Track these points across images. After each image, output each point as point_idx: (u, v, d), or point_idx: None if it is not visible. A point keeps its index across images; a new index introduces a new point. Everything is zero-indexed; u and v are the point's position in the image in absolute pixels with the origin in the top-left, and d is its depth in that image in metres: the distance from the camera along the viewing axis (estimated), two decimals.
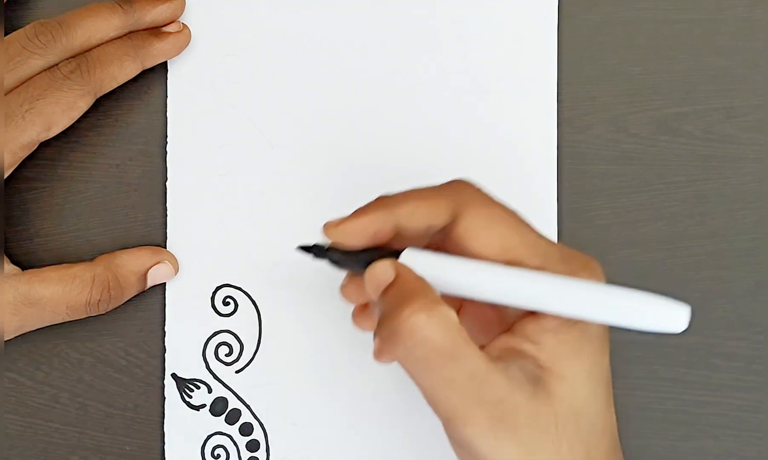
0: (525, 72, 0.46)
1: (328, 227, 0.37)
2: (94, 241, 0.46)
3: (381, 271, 0.36)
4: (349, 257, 0.37)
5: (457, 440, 0.36)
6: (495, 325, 0.39)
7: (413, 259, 0.37)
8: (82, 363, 0.46)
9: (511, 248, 0.36)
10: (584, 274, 0.36)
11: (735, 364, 0.47)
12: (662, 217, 0.47)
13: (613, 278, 0.46)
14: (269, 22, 0.46)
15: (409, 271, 0.36)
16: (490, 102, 0.46)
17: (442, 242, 0.38)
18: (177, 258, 0.46)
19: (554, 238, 0.46)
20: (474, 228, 0.37)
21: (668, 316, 0.33)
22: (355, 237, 0.37)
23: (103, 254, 0.46)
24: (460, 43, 0.46)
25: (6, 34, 0.43)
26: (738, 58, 0.47)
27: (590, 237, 0.47)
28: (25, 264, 0.46)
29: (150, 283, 0.45)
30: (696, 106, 0.47)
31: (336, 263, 0.38)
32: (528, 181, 0.46)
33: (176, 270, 0.46)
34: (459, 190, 0.37)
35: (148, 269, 0.45)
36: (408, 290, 0.35)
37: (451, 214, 0.37)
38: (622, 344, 0.46)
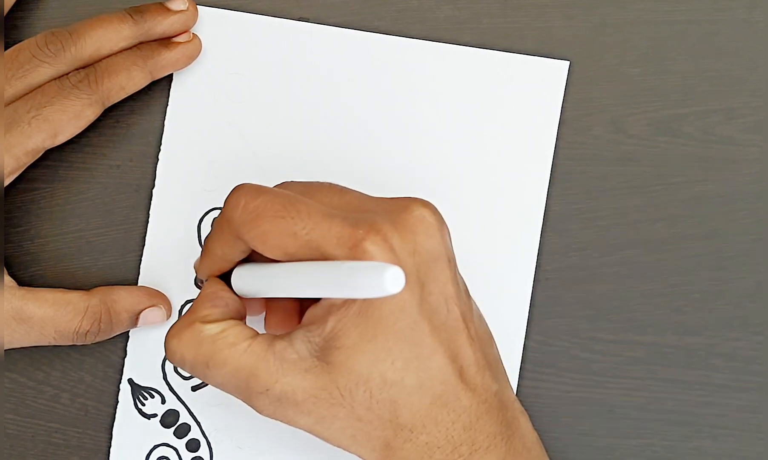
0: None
1: (195, 266, 0.43)
2: (95, 242, 0.46)
3: None
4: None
5: None
6: None
7: (237, 273, 0.40)
8: (83, 363, 0.46)
9: (289, 253, 0.37)
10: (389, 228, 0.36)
11: (735, 364, 0.47)
12: (662, 217, 0.47)
13: (614, 279, 0.47)
14: (278, 49, 0.46)
15: (205, 289, 0.40)
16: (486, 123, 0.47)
17: None
18: (152, 263, 0.46)
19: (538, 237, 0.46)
20: (258, 249, 0.38)
21: (378, 282, 0.32)
22: (204, 275, 0.41)
23: (103, 254, 0.46)
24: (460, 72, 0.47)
25: (10, 44, 0.43)
26: (737, 60, 0.47)
27: (590, 238, 0.47)
28: (26, 264, 0.46)
29: (141, 324, 0.45)
30: (695, 108, 0.47)
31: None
32: (519, 187, 0.46)
33: (168, 315, 0.46)
34: (233, 226, 0.38)
35: (142, 310, 0.45)
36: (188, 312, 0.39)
37: (243, 250, 0.39)
38: (622, 344, 0.46)
